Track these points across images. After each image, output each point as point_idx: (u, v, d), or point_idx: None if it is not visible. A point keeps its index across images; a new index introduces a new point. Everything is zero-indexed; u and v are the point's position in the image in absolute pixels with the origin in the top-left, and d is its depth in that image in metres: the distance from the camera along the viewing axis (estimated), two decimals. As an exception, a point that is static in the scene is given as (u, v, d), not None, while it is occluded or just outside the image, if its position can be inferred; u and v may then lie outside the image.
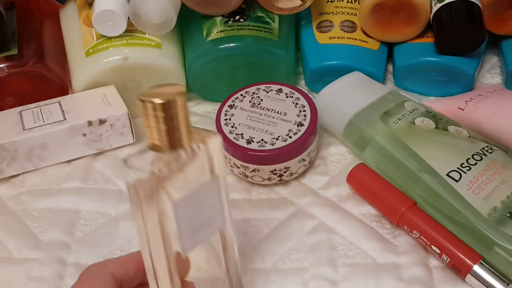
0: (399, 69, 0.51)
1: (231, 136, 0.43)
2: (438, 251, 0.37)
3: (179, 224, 0.27)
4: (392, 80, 0.53)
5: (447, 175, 0.39)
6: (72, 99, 0.49)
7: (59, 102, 0.48)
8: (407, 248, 0.39)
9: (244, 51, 0.49)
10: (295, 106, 0.44)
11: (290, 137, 0.42)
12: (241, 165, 0.43)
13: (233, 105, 0.45)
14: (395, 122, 0.43)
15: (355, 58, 0.50)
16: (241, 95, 0.46)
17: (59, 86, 0.51)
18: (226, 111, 0.45)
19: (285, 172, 0.43)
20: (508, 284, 0.35)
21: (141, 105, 0.26)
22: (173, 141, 0.27)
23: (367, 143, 0.44)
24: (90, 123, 0.46)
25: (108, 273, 0.31)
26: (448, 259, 0.37)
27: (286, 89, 0.46)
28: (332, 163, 0.46)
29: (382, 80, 0.51)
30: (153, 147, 0.27)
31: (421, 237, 0.38)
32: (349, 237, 0.40)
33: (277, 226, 0.42)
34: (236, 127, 0.43)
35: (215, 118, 0.45)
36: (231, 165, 0.44)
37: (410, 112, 0.44)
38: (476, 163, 0.39)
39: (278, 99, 0.45)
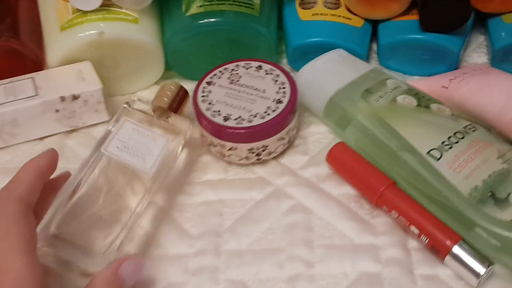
0: (383, 47, 0.49)
1: (208, 113, 0.41)
2: (417, 231, 0.36)
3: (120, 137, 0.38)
4: (377, 59, 0.51)
5: (428, 153, 0.38)
6: (46, 75, 0.47)
7: (32, 78, 0.46)
8: (385, 229, 0.38)
9: (224, 27, 0.47)
10: (275, 83, 0.43)
11: (269, 114, 0.41)
12: (218, 143, 0.42)
13: (211, 81, 0.44)
14: (377, 99, 0.42)
15: (338, 35, 0.48)
16: (220, 71, 0.45)
17: (34, 63, 0.49)
18: (204, 87, 0.44)
19: (263, 150, 0.42)
20: (488, 266, 0.34)
21: (163, 84, 0.42)
22: (166, 110, 0.41)
23: (348, 122, 0.42)
24: (63, 98, 0.44)
25: (16, 203, 0.31)
26: (427, 240, 0.36)
27: (266, 66, 0.45)
28: (312, 142, 0.45)
29: (365, 58, 0.49)
30: (155, 107, 0.41)
31: (400, 217, 0.37)
32: (327, 217, 0.39)
33: (254, 206, 0.41)
34: (213, 104, 0.42)
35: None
36: (208, 144, 0.43)
37: (392, 90, 0.42)
38: (457, 141, 0.38)
39: (258, 76, 0.44)
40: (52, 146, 0.44)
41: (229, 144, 0.41)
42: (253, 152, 0.42)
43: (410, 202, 0.37)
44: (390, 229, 0.38)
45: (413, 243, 0.37)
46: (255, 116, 0.41)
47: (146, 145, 0.38)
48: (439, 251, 0.35)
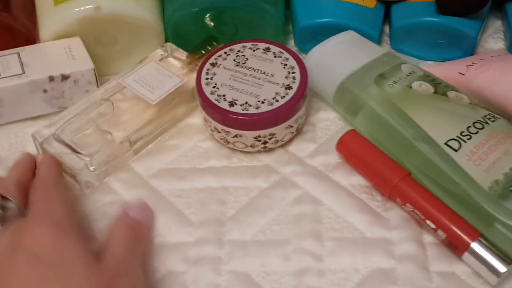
0: (396, 29, 0.47)
1: (212, 98, 0.39)
2: (433, 226, 0.34)
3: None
4: (388, 42, 0.49)
5: (446, 144, 0.35)
6: (33, 51, 0.44)
7: (18, 53, 0.43)
8: (399, 223, 0.36)
9: (227, 4, 0.44)
10: (284, 67, 0.40)
11: (277, 100, 0.38)
12: (222, 129, 0.39)
13: (216, 63, 0.41)
14: (391, 85, 0.39)
15: (349, 16, 0.45)
16: (225, 52, 0.42)
17: (26, 38, 0.46)
18: (208, 69, 0.41)
19: (270, 139, 0.39)
20: (508, 264, 0.32)
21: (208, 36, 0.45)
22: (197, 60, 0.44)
23: (359, 108, 0.40)
24: (51, 78, 0.41)
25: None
26: (444, 236, 0.34)
27: (274, 48, 0.42)
28: (321, 129, 0.42)
29: (377, 41, 0.47)
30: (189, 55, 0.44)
31: (415, 210, 0.35)
32: (336, 209, 0.37)
33: (258, 195, 0.38)
34: (218, 88, 0.39)
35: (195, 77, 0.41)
36: (211, 129, 0.40)
37: (407, 76, 0.40)
38: (477, 132, 0.36)
39: (265, 58, 0.41)
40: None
41: (234, 131, 0.39)
42: (259, 140, 0.39)
43: (426, 195, 0.35)
44: (404, 222, 0.36)
45: (428, 238, 0.36)
46: (262, 102, 0.38)
47: (161, 81, 0.41)
48: (456, 247, 0.33)
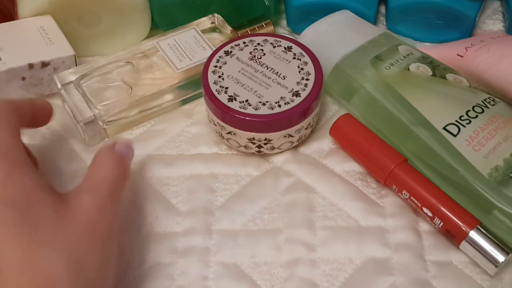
0: (392, 10, 0.45)
1: (214, 87, 0.36)
2: (430, 214, 0.33)
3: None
4: (384, 22, 0.47)
5: (444, 128, 0.34)
6: (4, 30, 0.41)
7: None
8: (395, 210, 0.35)
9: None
10: (299, 72, 0.37)
11: (280, 106, 0.35)
12: (217, 123, 0.37)
13: (230, 52, 0.38)
14: (387, 68, 0.38)
15: (344, -5, 0.44)
16: (244, 42, 0.39)
17: (3, 16, 0.44)
18: (220, 57, 0.38)
19: (265, 144, 0.37)
20: (507, 253, 0.31)
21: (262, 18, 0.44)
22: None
23: (354, 91, 0.38)
24: (31, 66, 0.39)
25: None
26: (441, 224, 0.33)
27: (296, 49, 0.38)
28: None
29: (373, 21, 0.45)
30: (233, 31, 0.43)
31: (411, 198, 0.34)
32: (330, 196, 0.36)
33: (249, 183, 0.37)
34: (223, 78, 0.37)
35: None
36: (209, 119, 0.38)
37: (405, 57, 0.38)
38: (476, 116, 0.34)
39: (283, 58, 0.38)
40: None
41: (228, 128, 0.36)
42: (254, 143, 0.37)
43: (423, 182, 0.34)
44: (399, 210, 0.35)
45: (424, 226, 0.34)
46: (264, 104, 0.35)
47: (194, 50, 0.40)
48: (454, 236, 0.32)
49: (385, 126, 0.37)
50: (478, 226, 0.32)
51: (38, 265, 0.24)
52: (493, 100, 0.36)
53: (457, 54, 0.40)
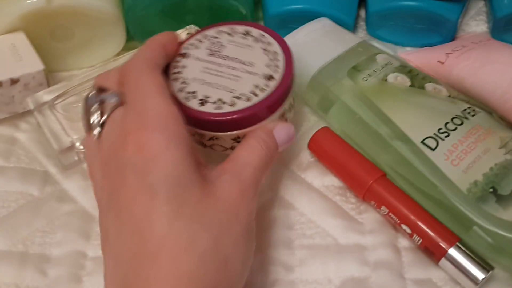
0: (372, 15, 0.44)
1: (181, 95, 0.33)
2: (408, 230, 0.32)
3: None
4: (365, 28, 0.46)
5: (422, 142, 0.33)
6: None
7: None
8: (374, 227, 0.34)
9: (191, -8, 0.41)
10: (265, 54, 0.34)
11: (256, 94, 0.32)
12: (195, 132, 0.34)
13: (186, 53, 0.35)
14: (365, 79, 0.37)
15: (322, 2, 0.43)
16: (198, 40, 0.36)
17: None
18: (177, 61, 0.35)
19: None
20: (487, 271, 0.30)
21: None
22: None
23: (331, 103, 0.38)
24: (0, 84, 0.38)
25: (143, 61, 0.30)
26: (420, 240, 0.32)
27: (255, 32, 0.36)
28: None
29: (352, 28, 0.44)
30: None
31: (390, 214, 0.33)
32: (309, 213, 0.35)
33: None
34: (188, 83, 0.33)
35: None
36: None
37: (383, 67, 0.37)
38: (455, 128, 0.34)
39: (245, 44, 0.35)
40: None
41: (208, 134, 0.33)
42: (239, 141, 0.34)
43: (401, 197, 0.33)
44: (378, 226, 0.34)
45: (404, 242, 0.34)
46: (239, 98, 0.32)
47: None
48: (433, 253, 0.32)
49: (363, 140, 0.36)
50: (457, 243, 0.31)
51: (182, 237, 0.25)
52: (473, 111, 0.35)
53: (438, 61, 0.39)
